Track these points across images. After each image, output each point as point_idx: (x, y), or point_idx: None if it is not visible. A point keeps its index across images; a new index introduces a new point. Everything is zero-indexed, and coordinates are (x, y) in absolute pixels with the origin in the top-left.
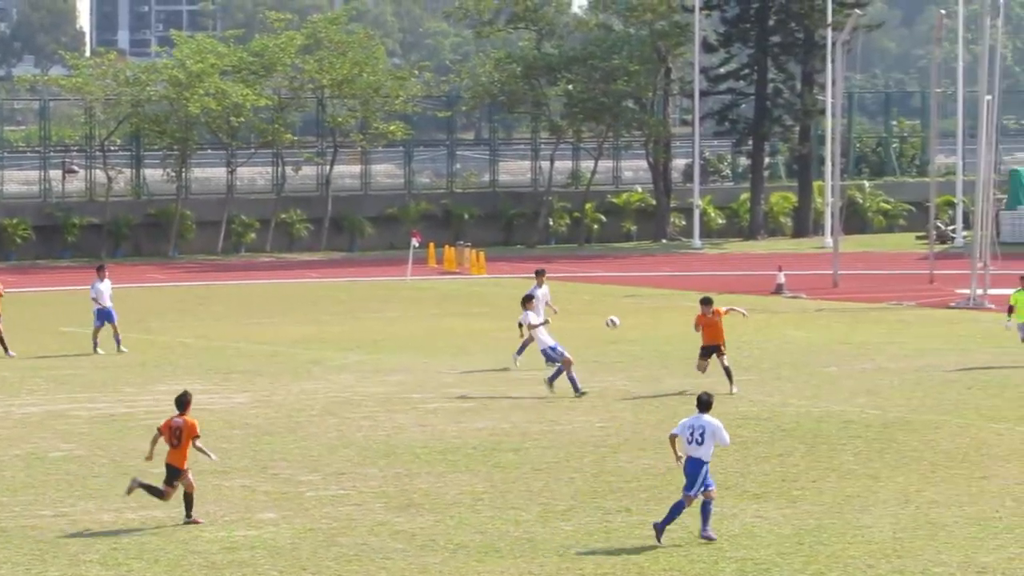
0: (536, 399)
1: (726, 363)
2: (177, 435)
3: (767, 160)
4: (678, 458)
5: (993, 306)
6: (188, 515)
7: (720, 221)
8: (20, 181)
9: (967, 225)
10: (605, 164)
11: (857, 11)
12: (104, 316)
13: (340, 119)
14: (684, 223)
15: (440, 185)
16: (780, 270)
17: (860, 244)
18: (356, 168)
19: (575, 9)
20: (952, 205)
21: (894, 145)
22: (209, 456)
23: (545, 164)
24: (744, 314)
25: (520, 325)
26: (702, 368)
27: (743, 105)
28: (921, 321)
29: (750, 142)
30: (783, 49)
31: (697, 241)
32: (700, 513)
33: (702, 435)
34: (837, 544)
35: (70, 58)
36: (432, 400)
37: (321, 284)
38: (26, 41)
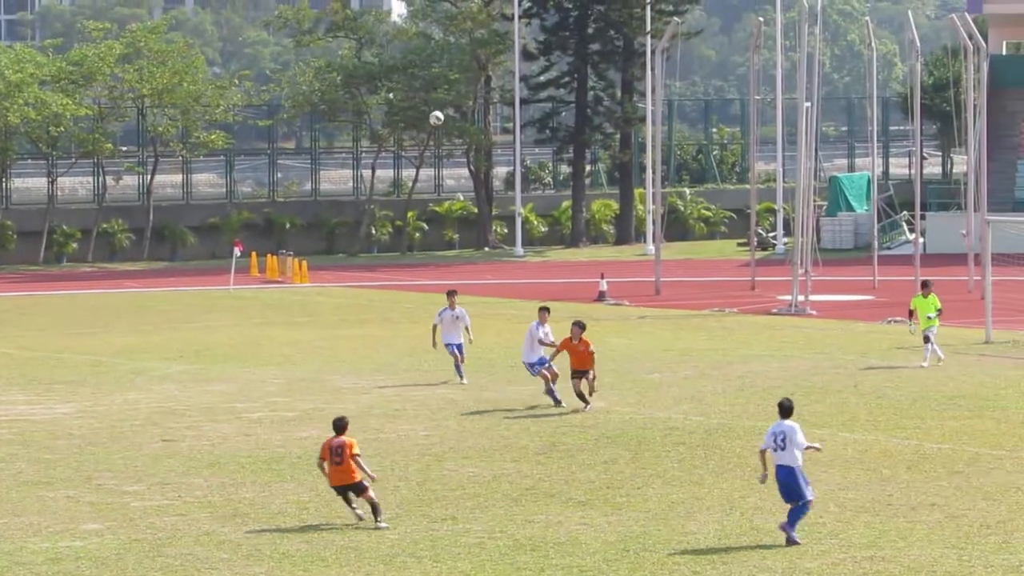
0: (361, 408)
1: (589, 387)
2: (339, 452)
3: (588, 168)
4: (764, 475)
5: (815, 312)
6: (378, 521)
7: (542, 229)
8: None
9: (788, 232)
10: (427, 172)
11: (676, 19)
12: None
13: (161, 128)
14: (506, 231)
15: (262, 194)
16: (602, 277)
17: (682, 251)
18: (177, 177)
19: (395, 18)
20: (773, 212)
21: (714, 152)
22: (369, 474)
23: (367, 173)
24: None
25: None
26: (575, 387)
27: (564, 113)
28: (743, 328)
29: (571, 150)
30: (603, 57)
31: (519, 249)
32: (787, 514)
33: (784, 440)
34: (663, 551)
35: None
36: (256, 410)
37: (143, 294)
38: None
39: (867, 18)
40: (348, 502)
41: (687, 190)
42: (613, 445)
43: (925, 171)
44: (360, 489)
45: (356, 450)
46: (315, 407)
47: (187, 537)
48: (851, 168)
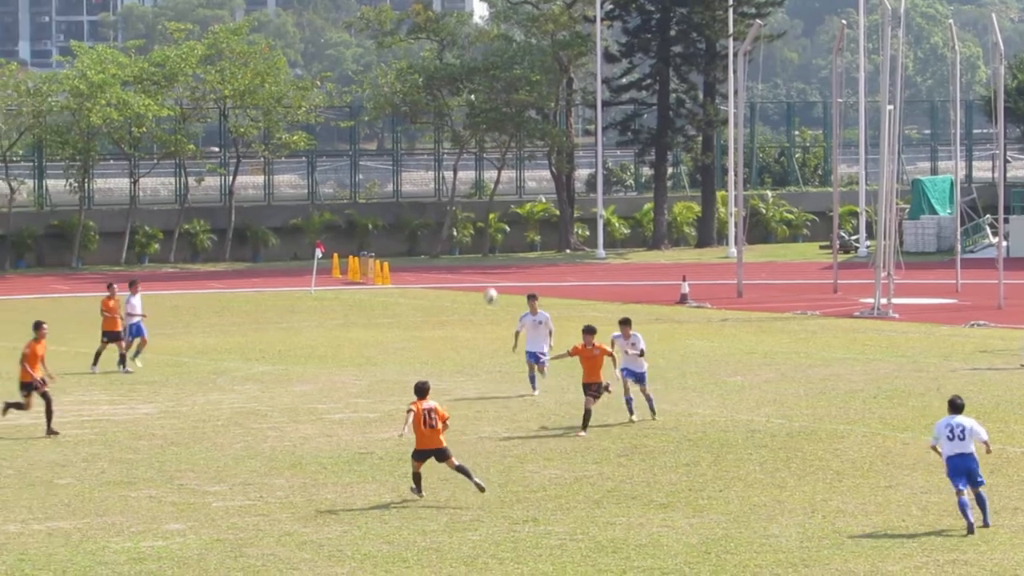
0: None
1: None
2: (432, 417)
3: (670, 170)
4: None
5: (897, 315)
6: (474, 481)
7: (624, 231)
8: None
9: (870, 235)
10: (508, 174)
11: (758, 21)
12: (134, 331)
13: (243, 129)
14: (588, 233)
15: (343, 195)
16: (684, 280)
17: (764, 254)
18: (259, 178)
19: (476, 19)
20: (855, 215)
21: (796, 155)
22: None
23: (448, 174)
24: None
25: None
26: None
27: (645, 115)
28: (825, 331)
29: (653, 152)
30: (685, 59)
31: (601, 251)
32: (977, 505)
33: (963, 432)
34: (744, 554)
35: None
36: (338, 411)
37: (225, 295)
38: None
39: (950, 21)
40: (419, 478)
41: (769, 193)
42: (695, 448)
43: (1008, 174)
44: (445, 456)
45: (448, 420)
46: (396, 408)
47: (269, 538)
48: (934, 171)
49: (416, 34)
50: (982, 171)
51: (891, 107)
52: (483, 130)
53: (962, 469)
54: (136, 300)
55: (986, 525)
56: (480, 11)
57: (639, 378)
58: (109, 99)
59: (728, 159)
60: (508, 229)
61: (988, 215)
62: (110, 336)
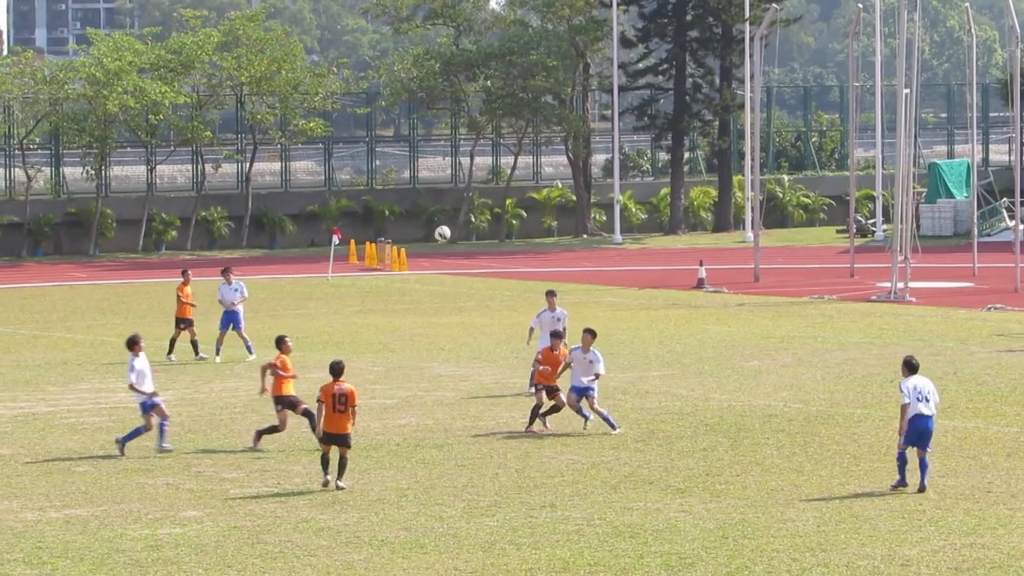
0: (460, 396)
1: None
2: (343, 400)
3: (687, 155)
4: (902, 429)
5: (914, 299)
6: (339, 478)
7: (641, 216)
8: None
9: (887, 219)
10: (525, 160)
11: (774, 5)
12: (228, 319)
13: (259, 116)
14: (604, 218)
15: (360, 182)
16: (701, 265)
17: (780, 238)
18: (276, 165)
19: (492, 5)
20: (872, 199)
21: (813, 139)
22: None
23: (465, 160)
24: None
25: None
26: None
27: (662, 100)
28: (842, 315)
29: (669, 137)
30: (701, 44)
31: (618, 236)
32: (919, 468)
33: (928, 394)
34: (761, 538)
35: None
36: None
37: (242, 281)
38: None
39: (966, 4)
40: (327, 462)
41: (786, 177)
42: (712, 433)
43: None
44: (344, 443)
45: (356, 402)
46: (413, 395)
47: (286, 524)
48: (950, 155)
49: (432, 20)
50: (999, 154)
51: (907, 91)
52: (499, 116)
53: (923, 430)
54: (226, 288)
55: (921, 489)
56: None
57: (583, 392)
58: (126, 86)
59: (745, 144)
60: (525, 215)
61: (1005, 198)
62: (183, 323)
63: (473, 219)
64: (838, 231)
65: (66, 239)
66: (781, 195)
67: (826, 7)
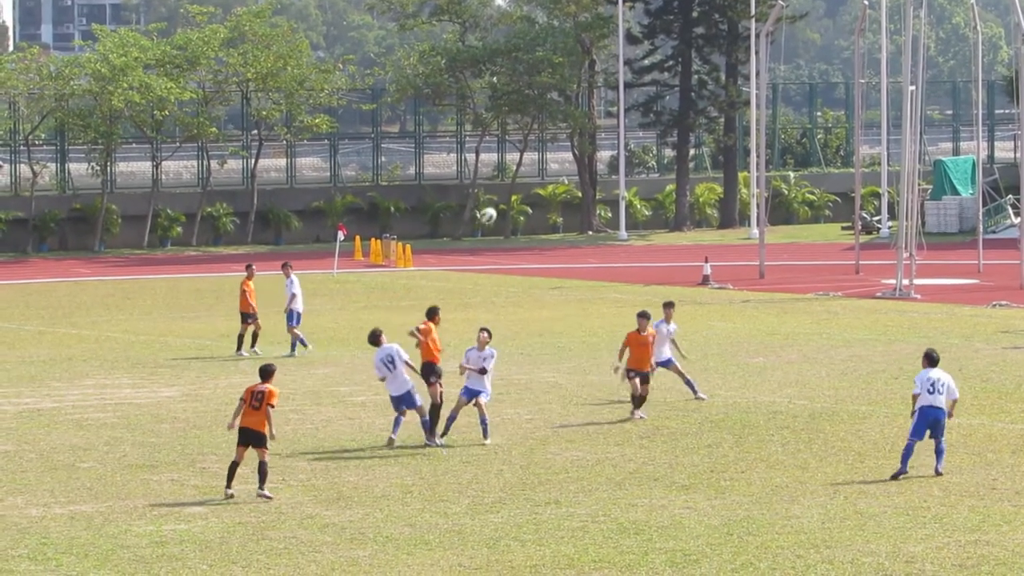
0: None
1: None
2: (259, 398)
3: (692, 151)
4: (913, 412)
5: (919, 296)
6: (261, 487)
7: (646, 213)
8: None
9: (892, 215)
10: (530, 156)
11: (780, 2)
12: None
13: (265, 113)
14: (610, 215)
15: (366, 178)
16: (706, 261)
17: (786, 235)
18: (281, 161)
19: (499, 1)
20: (877, 196)
21: (819, 136)
22: (271, 431)
23: (470, 156)
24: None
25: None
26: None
27: (668, 97)
28: (848, 312)
29: (675, 134)
30: (707, 40)
31: (623, 233)
32: (936, 453)
33: (941, 387)
34: (766, 534)
35: None
36: (360, 393)
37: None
38: None
39: (972, 1)
40: (234, 469)
41: (791, 174)
42: (716, 429)
43: None
44: (260, 443)
45: (274, 401)
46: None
47: (291, 520)
48: (956, 152)
49: (438, 16)
50: (1004, 151)
51: (913, 88)
52: (505, 112)
53: (931, 420)
54: (290, 283)
55: (938, 473)
56: None
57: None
58: (131, 82)
59: (750, 140)
60: (530, 211)
61: (1010, 195)
62: (248, 317)
63: (478, 215)
64: (843, 228)
65: (71, 235)
66: (786, 192)
67: (832, 4)
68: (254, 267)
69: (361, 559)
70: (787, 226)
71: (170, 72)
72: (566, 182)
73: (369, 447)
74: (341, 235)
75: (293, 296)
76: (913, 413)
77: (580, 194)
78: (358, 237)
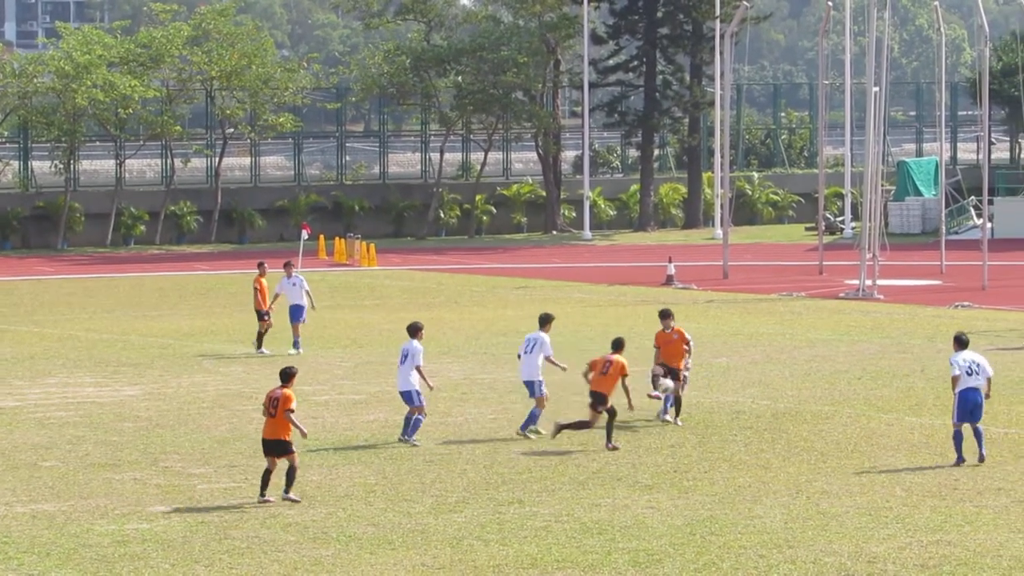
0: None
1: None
2: (274, 404)
3: (657, 152)
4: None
5: (882, 297)
6: (286, 491)
7: (610, 213)
8: None
9: (856, 216)
10: (495, 156)
11: (745, 3)
12: (296, 312)
13: (229, 111)
14: (574, 215)
15: (330, 177)
16: (670, 261)
17: (750, 235)
18: (246, 160)
19: (464, 1)
20: (841, 196)
21: (783, 137)
22: (301, 430)
23: (435, 156)
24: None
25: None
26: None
27: (632, 97)
28: (811, 312)
29: (639, 134)
30: (672, 41)
31: (587, 232)
32: (975, 438)
33: (978, 367)
34: (729, 534)
35: None
36: (323, 392)
37: (211, 276)
38: None
39: (936, 3)
40: (266, 477)
41: (755, 174)
42: (680, 429)
43: (993, 156)
44: (284, 450)
45: (292, 405)
46: (382, 390)
47: (253, 520)
48: (919, 153)
49: (403, 15)
50: (967, 153)
51: (877, 89)
52: (470, 112)
53: (972, 403)
54: (287, 283)
55: (982, 459)
56: None
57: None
58: (95, 80)
59: (714, 141)
60: (495, 211)
61: (972, 197)
62: (264, 314)
63: (443, 215)
64: (807, 228)
65: (34, 233)
66: (750, 192)
67: (796, 5)
68: (266, 264)
69: (324, 558)
70: (751, 226)
71: (134, 70)
72: (530, 182)
73: (332, 447)
74: (305, 234)
75: (307, 294)
76: (955, 396)
77: (544, 194)
78: (322, 236)
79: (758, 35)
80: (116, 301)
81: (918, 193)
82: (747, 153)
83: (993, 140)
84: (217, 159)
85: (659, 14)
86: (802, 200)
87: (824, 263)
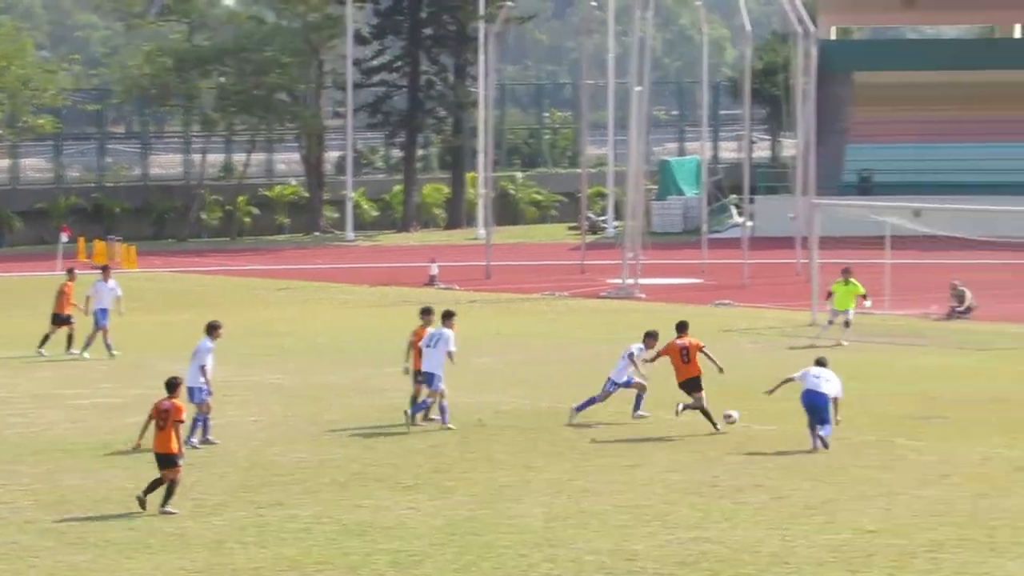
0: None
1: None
2: (164, 417)
3: (420, 152)
4: (770, 391)
5: (643, 295)
6: (164, 505)
7: (373, 213)
8: None
9: (618, 215)
10: (258, 157)
11: (509, 3)
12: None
13: None
14: (337, 215)
15: (90, 179)
16: (433, 261)
17: (513, 235)
18: (4, 162)
19: (227, 1)
20: (603, 196)
21: (546, 136)
22: (179, 446)
23: (197, 157)
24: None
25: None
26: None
27: (396, 97)
28: (573, 311)
29: (403, 134)
30: (436, 41)
31: (350, 233)
32: (817, 427)
33: (818, 378)
34: (490, 534)
35: None
36: (84, 396)
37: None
38: None
39: (699, 3)
40: (155, 485)
41: (519, 174)
42: (441, 429)
43: (754, 155)
44: (170, 464)
45: (182, 416)
46: (143, 393)
47: (10, 525)
48: (681, 152)
49: (165, 16)
50: (728, 152)
51: (639, 88)
52: (233, 113)
53: (809, 405)
54: (103, 286)
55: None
56: None
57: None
58: None
59: (478, 141)
60: (257, 212)
61: (734, 195)
62: (60, 319)
63: (204, 216)
64: (570, 228)
65: None
66: (513, 192)
67: (560, 5)
68: (75, 271)
69: (81, 564)
70: (514, 226)
71: None
72: (294, 183)
73: (92, 451)
74: (64, 236)
75: (118, 299)
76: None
77: (307, 195)
78: (82, 238)
79: (522, 35)
80: None
81: (680, 192)
82: (511, 153)
83: (754, 139)
84: None
85: (423, 14)
86: (565, 199)
87: (586, 262)
